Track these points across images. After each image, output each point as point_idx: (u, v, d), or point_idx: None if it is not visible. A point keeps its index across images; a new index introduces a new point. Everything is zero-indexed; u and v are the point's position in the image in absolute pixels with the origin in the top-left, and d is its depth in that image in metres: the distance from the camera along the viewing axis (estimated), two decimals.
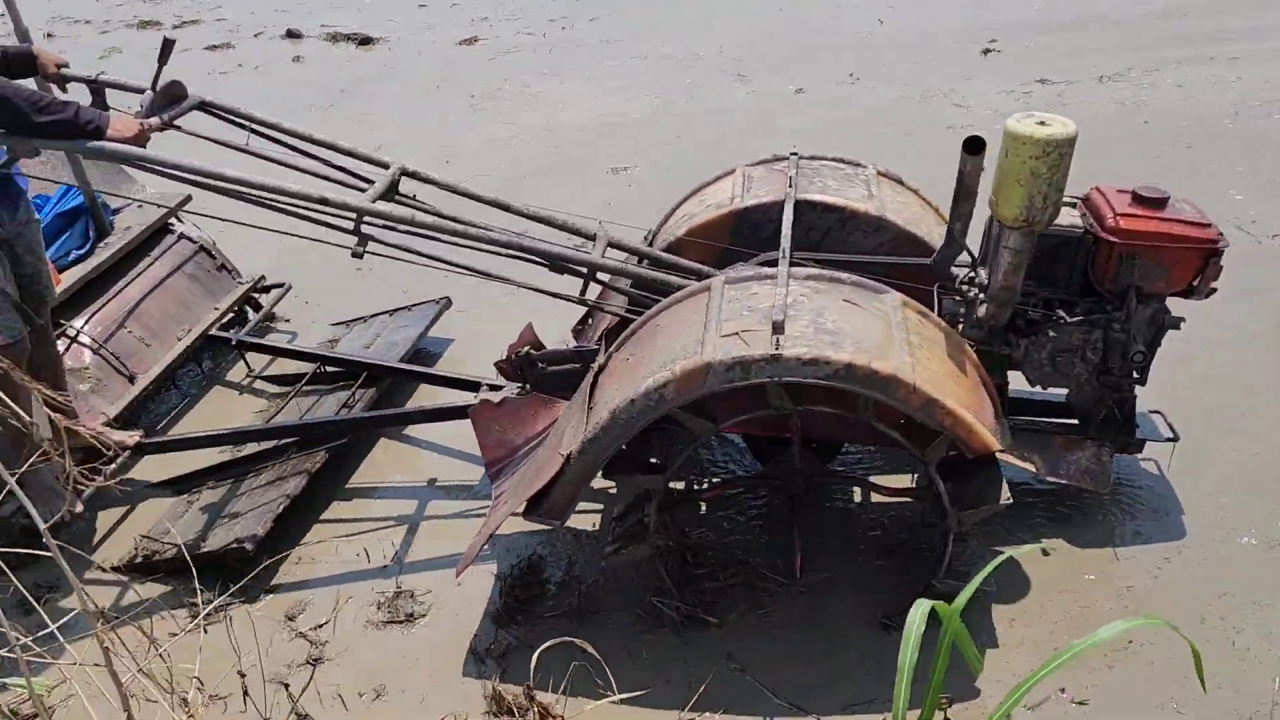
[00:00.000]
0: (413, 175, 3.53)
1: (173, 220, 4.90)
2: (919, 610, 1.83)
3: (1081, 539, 3.36)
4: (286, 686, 2.29)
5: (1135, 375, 3.16)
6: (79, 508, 3.71)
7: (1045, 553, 3.33)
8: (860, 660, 3.02)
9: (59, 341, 4.22)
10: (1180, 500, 3.46)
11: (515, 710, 2.30)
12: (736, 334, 2.69)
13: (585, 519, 3.66)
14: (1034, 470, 3.19)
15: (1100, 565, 3.27)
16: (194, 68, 8.94)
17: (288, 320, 5.21)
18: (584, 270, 3.34)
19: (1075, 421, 3.38)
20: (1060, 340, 3.09)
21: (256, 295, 5.09)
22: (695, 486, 3.73)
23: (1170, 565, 3.24)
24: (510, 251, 3.29)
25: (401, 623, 3.34)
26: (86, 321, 4.35)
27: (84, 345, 4.30)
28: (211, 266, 4.93)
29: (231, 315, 4.97)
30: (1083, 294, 3.10)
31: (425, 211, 3.42)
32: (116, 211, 4.79)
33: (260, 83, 8.66)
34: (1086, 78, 6.84)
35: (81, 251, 4.53)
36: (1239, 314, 4.30)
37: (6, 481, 2.00)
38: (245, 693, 2.29)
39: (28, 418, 3.63)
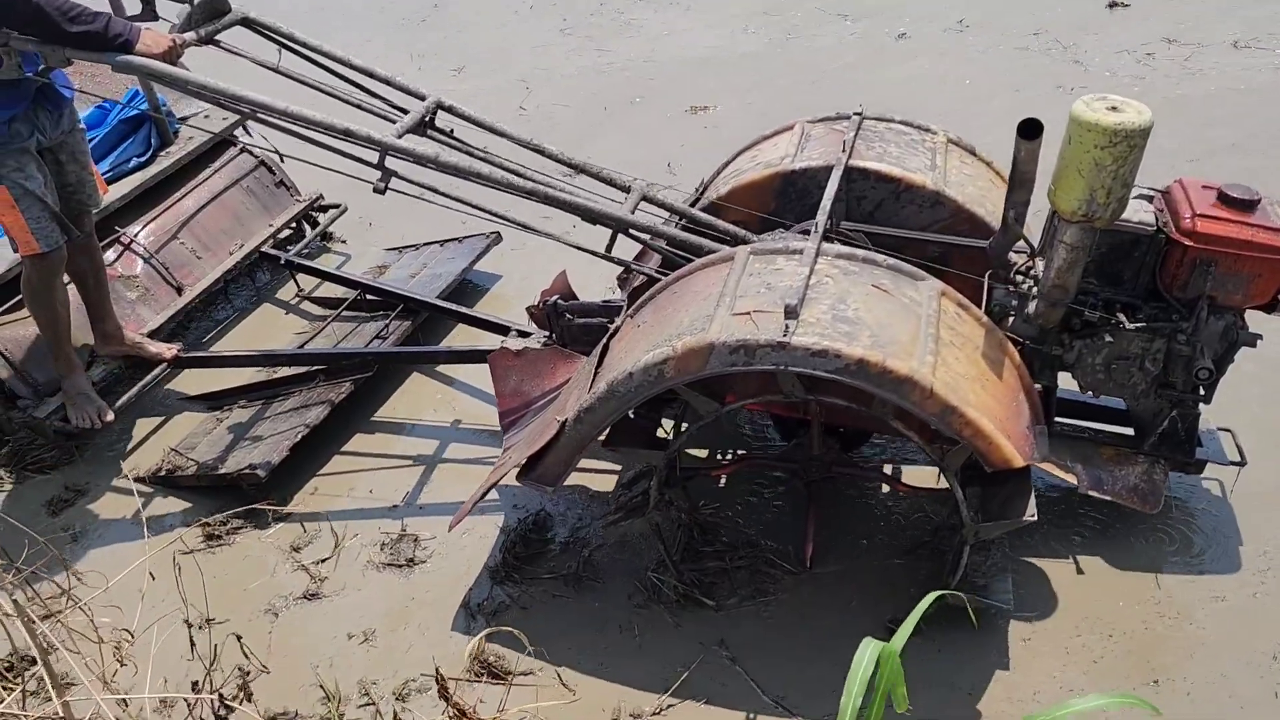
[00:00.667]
0: (449, 110, 3.39)
1: (237, 133, 4.89)
2: (866, 650, 1.66)
3: (1123, 560, 3.10)
4: (240, 638, 2.26)
5: (1200, 392, 2.85)
6: (110, 416, 3.77)
7: (1080, 570, 3.10)
8: None
9: (113, 248, 4.27)
10: (1241, 529, 3.16)
11: (454, 688, 2.23)
12: (748, 314, 2.50)
13: (600, 480, 3.55)
14: (1075, 483, 2.93)
15: (1139, 591, 3.01)
16: None
17: (344, 241, 5.19)
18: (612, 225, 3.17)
19: (1131, 432, 3.10)
20: (1117, 346, 2.80)
21: (314, 214, 5.07)
22: (719, 457, 3.59)
23: (1218, 599, 2.96)
24: (536, 200, 3.14)
25: (401, 566, 3.31)
26: (141, 230, 4.39)
27: (136, 254, 4.35)
28: (270, 182, 4.91)
29: (290, 232, 4.97)
30: (1148, 299, 2.79)
31: (456, 149, 3.29)
32: (183, 120, 4.79)
33: None
34: (1220, 41, 6.20)
35: (143, 159, 4.56)
36: None
37: None
38: (192, 644, 2.27)
39: (65, 325, 3.72)
